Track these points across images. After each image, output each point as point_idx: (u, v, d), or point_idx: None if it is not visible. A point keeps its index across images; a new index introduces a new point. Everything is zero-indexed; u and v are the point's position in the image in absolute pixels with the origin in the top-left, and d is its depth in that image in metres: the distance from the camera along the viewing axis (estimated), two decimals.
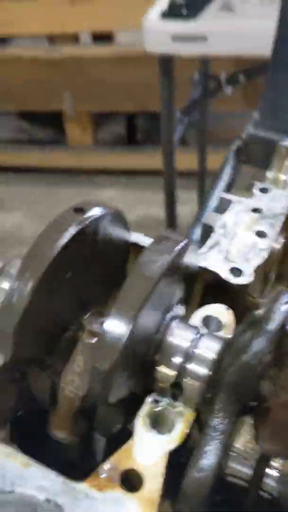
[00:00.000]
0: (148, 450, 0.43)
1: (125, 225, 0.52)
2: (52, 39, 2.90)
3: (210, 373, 0.45)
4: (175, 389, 0.47)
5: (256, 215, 0.61)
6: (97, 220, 0.47)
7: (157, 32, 1.72)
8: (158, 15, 1.74)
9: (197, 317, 0.50)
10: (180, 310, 0.49)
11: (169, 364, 0.47)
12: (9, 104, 2.93)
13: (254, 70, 1.94)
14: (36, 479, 0.39)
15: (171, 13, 1.71)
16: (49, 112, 2.92)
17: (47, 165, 2.98)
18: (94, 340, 0.47)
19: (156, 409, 0.46)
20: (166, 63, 1.80)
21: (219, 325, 0.49)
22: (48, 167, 2.99)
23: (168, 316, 0.47)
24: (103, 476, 0.41)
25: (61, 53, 2.72)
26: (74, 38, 2.86)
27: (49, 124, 3.11)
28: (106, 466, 0.42)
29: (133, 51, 2.59)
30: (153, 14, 1.74)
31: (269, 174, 0.72)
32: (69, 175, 2.99)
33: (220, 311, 0.51)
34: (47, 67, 2.72)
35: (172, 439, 0.44)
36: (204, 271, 0.54)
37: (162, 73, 1.82)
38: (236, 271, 0.54)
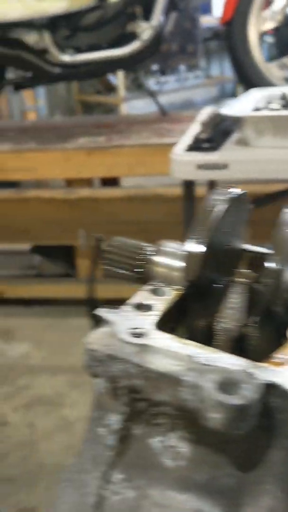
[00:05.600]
0: None
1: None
2: (69, 182, 3.21)
3: None
4: None
5: None
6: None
7: (184, 162, 1.98)
8: (183, 149, 2.01)
9: None
10: None
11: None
12: (24, 239, 3.14)
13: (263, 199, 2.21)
14: (225, 359, 0.47)
15: (195, 146, 1.99)
16: (61, 246, 3.12)
17: (57, 296, 3.10)
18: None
19: None
20: (189, 188, 2.04)
21: None
22: (57, 299, 3.10)
23: None
24: (278, 359, 0.48)
25: (77, 193, 3.01)
26: (88, 182, 3.18)
27: (59, 258, 3.29)
28: (278, 354, 0.48)
29: (141, 192, 2.91)
30: (179, 148, 2.02)
31: None
32: (79, 305, 3.09)
33: None
34: (64, 206, 2.98)
35: None
36: None
37: (185, 197, 2.06)
38: None
